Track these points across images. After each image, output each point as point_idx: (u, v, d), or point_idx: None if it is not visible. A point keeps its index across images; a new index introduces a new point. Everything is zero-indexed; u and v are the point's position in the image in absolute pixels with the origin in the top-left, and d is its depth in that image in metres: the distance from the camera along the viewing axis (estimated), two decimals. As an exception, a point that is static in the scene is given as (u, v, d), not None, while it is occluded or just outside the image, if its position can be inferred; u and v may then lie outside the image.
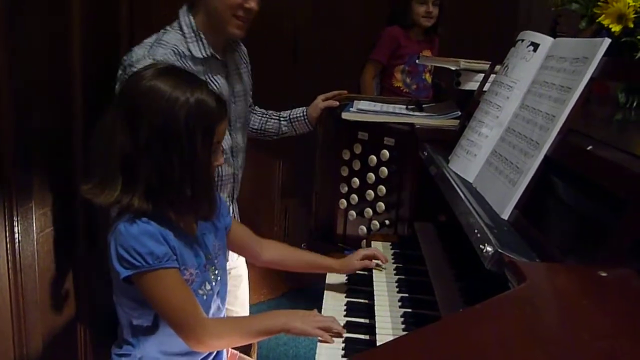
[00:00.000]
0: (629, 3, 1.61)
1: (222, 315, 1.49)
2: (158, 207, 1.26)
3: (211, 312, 1.40)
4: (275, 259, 1.61)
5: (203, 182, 1.28)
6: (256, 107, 2.15)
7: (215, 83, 1.78)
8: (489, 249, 0.91)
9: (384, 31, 2.98)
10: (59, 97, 1.71)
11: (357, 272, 1.66)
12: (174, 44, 1.72)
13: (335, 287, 1.63)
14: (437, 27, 2.99)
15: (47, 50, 1.63)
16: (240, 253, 1.62)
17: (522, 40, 1.42)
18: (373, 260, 1.63)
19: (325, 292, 1.61)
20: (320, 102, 2.07)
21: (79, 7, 1.72)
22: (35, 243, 1.59)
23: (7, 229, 1.48)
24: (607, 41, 1.10)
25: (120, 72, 1.71)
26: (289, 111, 2.12)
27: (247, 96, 1.97)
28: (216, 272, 1.42)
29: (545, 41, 1.34)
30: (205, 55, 1.75)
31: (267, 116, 2.13)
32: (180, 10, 1.78)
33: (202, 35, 1.75)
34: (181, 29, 1.75)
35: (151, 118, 1.22)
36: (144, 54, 1.67)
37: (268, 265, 1.64)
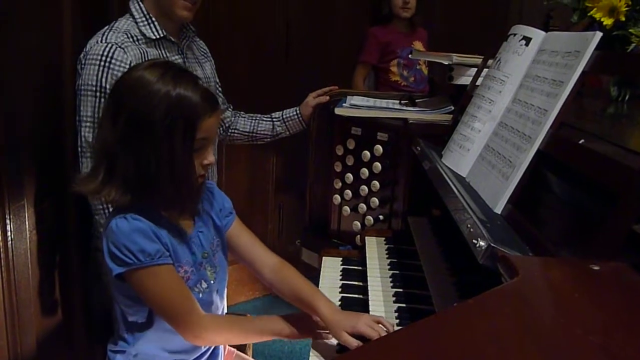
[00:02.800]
0: (620, -4, 1.61)
1: (220, 313, 1.48)
2: (138, 200, 1.23)
3: (210, 310, 1.39)
4: (274, 284, 1.44)
5: (183, 178, 1.24)
6: (242, 111, 2.16)
7: None
8: (482, 243, 0.91)
9: (367, 32, 3.03)
10: (50, 96, 1.70)
11: (351, 267, 1.65)
12: (127, 28, 1.73)
13: (329, 283, 1.63)
14: (417, 17, 3.04)
15: (39, 49, 1.62)
16: (240, 260, 1.49)
17: (514, 35, 1.42)
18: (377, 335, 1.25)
19: (319, 287, 1.61)
20: (312, 100, 2.08)
21: (70, 9, 1.72)
22: (28, 241, 1.58)
23: (-1, 227, 1.47)
24: (599, 35, 1.10)
25: (78, 65, 1.70)
26: (280, 112, 2.12)
27: (209, 86, 1.91)
28: (214, 270, 1.40)
29: (537, 35, 1.34)
30: (158, 36, 1.77)
31: (258, 119, 2.14)
32: (129, 1, 1.79)
33: (153, 18, 1.76)
34: (132, 15, 1.77)
35: (131, 108, 1.20)
36: (97, 40, 1.68)
37: (268, 285, 1.47)
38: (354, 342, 1.22)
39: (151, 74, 1.22)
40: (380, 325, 1.25)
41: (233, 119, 2.13)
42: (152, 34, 1.76)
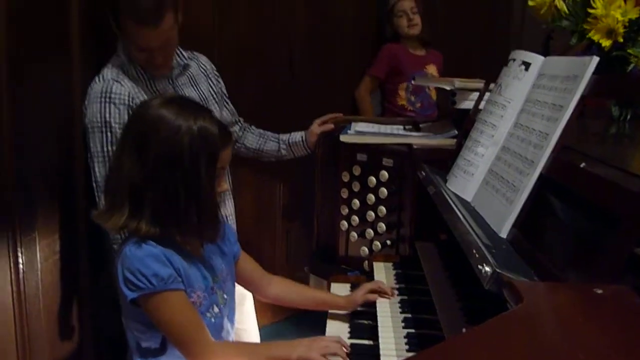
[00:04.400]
0: (617, 18, 1.63)
1: (231, 339, 1.49)
2: (165, 231, 1.28)
3: (220, 335, 1.41)
4: (281, 295, 1.61)
5: (208, 206, 1.30)
6: (252, 126, 2.19)
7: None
8: (487, 269, 0.92)
9: (383, 47, 3.03)
10: (60, 133, 1.74)
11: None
12: (119, 64, 1.77)
13: (339, 310, 1.63)
14: (428, 37, 3.04)
15: (51, 90, 1.67)
16: (246, 287, 1.61)
17: (514, 60, 1.44)
18: (377, 295, 1.59)
19: (329, 314, 1.61)
20: (316, 127, 2.11)
21: (79, 54, 1.77)
22: (39, 273, 1.60)
23: (11, 260, 1.49)
24: (596, 59, 1.12)
25: (83, 106, 1.75)
26: (287, 135, 2.15)
27: (209, 105, 1.96)
28: (224, 295, 1.43)
29: (537, 60, 1.37)
30: (145, 78, 1.80)
31: (266, 137, 2.16)
32: (118, 42, 1.81)
33: (137, 63, 1.79)
34: (119, 56, 1.80)
35: (156, 145, 1.26)
36: (96, 80, 1.74)
37: (274, 301, 1.63)
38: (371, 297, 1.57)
39: (169, 111, 1.28)
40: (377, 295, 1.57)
41: (241, 133, 2.16)
42: (136, 76, 1.79)
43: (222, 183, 1.37)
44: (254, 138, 2.16)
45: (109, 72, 1.75)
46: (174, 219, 1.28)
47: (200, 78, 1.99)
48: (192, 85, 1.95)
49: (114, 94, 1.70)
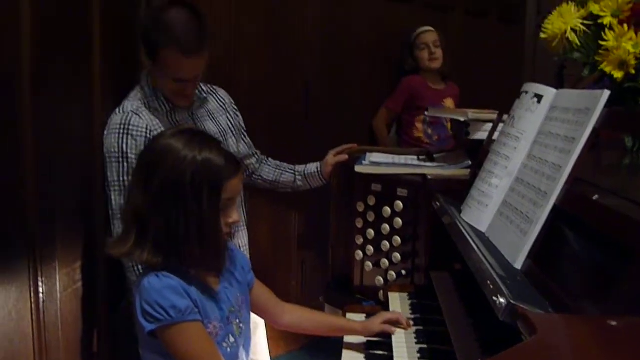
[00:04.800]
0: (629, 50, 1.65)
1: None
2: (168, 261, 1.30)
3: None
4: (295, 322, 1.62)
5: (210, 237, 1.31)
6: (269, 158, 2.23)
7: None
8: (502, 300, 0.93)
9: (403, 80, 3.05)
10: (81, 165, 1.78)
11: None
12: (140, 97, 1.84)
13: (354, 340, 1.63)
14: (448, 70, 3.05)
15: (72, 123, 1.72)
16: (259, 314, 1.63)
17: (527, 92, 1.46)
18: (395, 327, 1.60)
19: (344, 343, 1.62)
20: (331, 158, 2.15)
21: (100, 86, 1.82)
22: (58, 302, 1.62)
23: (32, 289, 1.51)
24: (607, 93, 1.14)
25: (103, 136, 1.81)
26: (303, 166, 2.19)
27: (226, 138, 2.02)
28: (240, 325, 1.44)
29: (549, 93, 1.39)
30: (166, 109, 1.86)
31: (282, 169, 2.21)
32: (142, 73, 1.89)
33: (160, 93, 1.85)
34: (142, 88, 1.86)
35: (161, 174, 1.29)
36: (116, 111, 1.80)
37: (287, 328, 1.65)
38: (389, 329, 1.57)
39: (178, 141, 1.30)
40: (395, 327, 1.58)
41: (258, 165, 2.20)
42: (159, 108, 1.85)
43: (232, 214, 1.37)
44: (270, 170, 2.20)
45: (129, 105, 1.81)
46: (175, 248, 1.29)
47: (218, 111, 2.03)
48: (210, 118, 2.00)
49: (132, 126, 1.75)
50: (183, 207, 1.27)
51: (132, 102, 1.82)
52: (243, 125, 2.14)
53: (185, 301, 1.28)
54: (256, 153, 2.20)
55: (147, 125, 1.77)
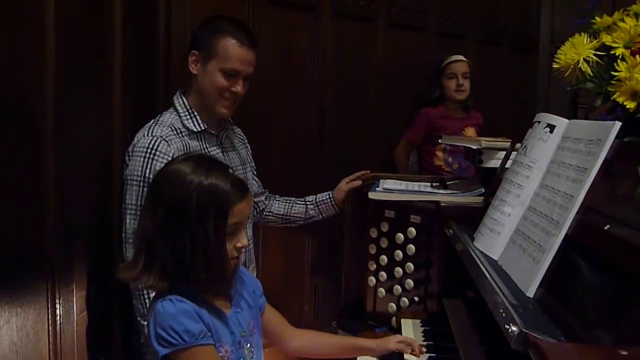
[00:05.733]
0: (641, 81, 1.67)
1: None
2: (174, 286, 1.31)
3: None
4: (306, 346, 1.62)
5: (216, 262, 1.32)
6: (277, 195, 2.26)
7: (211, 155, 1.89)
8: (514, 328, 0.94)
9: (422, 112, 3.03)
10: (100, 188, 1.82)
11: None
12: (171, 122, 1.87)
13: (366, 362, 1.64)
14: (470, 101, 3.02)
15: (91, 145, 1.76)
16: (270, 339, 1.62)
17: (539, 122, 1.48)
18: (409, 348, 1.61)
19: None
20: (344, 185, 2.18)
21: (120, 107, 1.86)
22: (75, 324, 1.65)
23: (49, 311, 1.54)
24: (618, 124, 1.16)
25: (126, 156, 1.82)
26: (314, 196, 2.21)
27: (246, 170, 2.08)
28: (252, 349, 1.45)
29: (561, 123, 1.40)
30: (200, 129, 1.90)
31: (292, 202, 2.23)
32: (174, 96, 1.94)
33: (196, 112, 1.90)
34: (176, 109, 1.90)
35: (168, 199, 1.30)
36: (143, 134, 1.81)
37: (298, 353, 1.63)
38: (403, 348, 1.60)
39: (186, 166, 1.33)
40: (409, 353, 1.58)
41: (267, 202, 2.23)
42: (194, 127, 1.89)
43: (240, 238, 1.37)
44: (280, 204, 2.23)
45: (158, 130, 1.82)
46: (182, 272, 1.30)
47: (241, 146, 2.11)
48: (233, 150, 2.06)
49: (158, 152, 1.76)
50: (189, 232, 1.28)
51: (162, 128, 1.83)
52: (253, 164, 2.18)
53: (199, 325, 1.29)
54: (265, 191, 2.24)
55: (173, 154, 1.76)
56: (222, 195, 1.31)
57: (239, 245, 1.37)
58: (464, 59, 3.02)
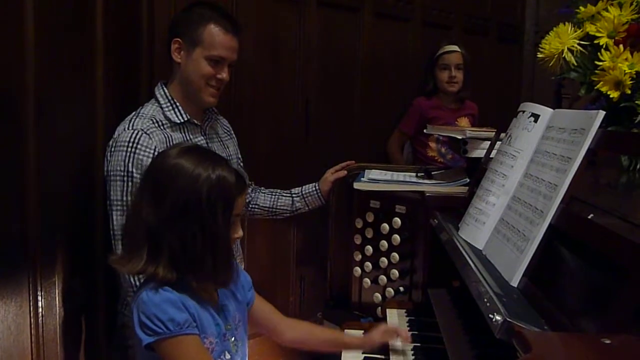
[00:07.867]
0: (624, 71, 1.67)
1: None
2: (181, 276, 1.31)
3: None
4: (298, 338, 1.62)
5: (223, 252, 1.34)
6: (262, 187, 2.24)
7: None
8: (498, 318, 0.94)
9: (414, 102, 3.02)
10: (83, 180, 1.80)
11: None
12: (152, 114, 1.84)
13: (352, 356, 1.64)
14: (464, 92, 2.99)
15: (74, 137, 1.74)
16: (262, 330, 1.63)
17: (524, 112, 1.48)
18: (395, 334, 1.61)
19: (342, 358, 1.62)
20: (330, 175, 2.16)
21: (103, 99, 1.84)
22: (57, 317, 1.63)
23: (31, 303, 1.52)
24: (602, 114, 1.16)
25: (107, 152, 1.78)
26: (299, 188, 2.20)
27: (232, 161, 2.03)
28: (236, 342, 1.45)
29: (545, 112, 1.41)
30: (182, 120, 1.87)
31: (278, 194, 2.21)
32: (155, 87, 1.91)
33: (178, 103, 1.87)
34: (157, 100, 1.88)
35: (175, 194, 1.30)
36: (124, 127, 1.78)
37: (291, 344, 1.64)
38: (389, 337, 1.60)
39: (188, 160, 1.32)
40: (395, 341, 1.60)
41: (253, 194, 2.21)
42: (176, 118, 1.86)
43: (237, 229, 1.40)
44: (265, 197, 2.21)
45: (139, 122, 1.79)
46: (191, 264, 1.31)
47: (225, 137, 2.09)
48: (218, 141, 2.04)
49: (140, 146, 1.73)
50: (200, 224, 1.29)
51: (143, 121, 1.79)
52: (240, 156, 2.17)
53: (184, 315, 1.29)
54: (251, 183, 2.22)
55: (155, 147, 1.74)
56: (229, 187, 1.33)
57: (236, 236, 1.40)
58: (458, 49, 2.99)
